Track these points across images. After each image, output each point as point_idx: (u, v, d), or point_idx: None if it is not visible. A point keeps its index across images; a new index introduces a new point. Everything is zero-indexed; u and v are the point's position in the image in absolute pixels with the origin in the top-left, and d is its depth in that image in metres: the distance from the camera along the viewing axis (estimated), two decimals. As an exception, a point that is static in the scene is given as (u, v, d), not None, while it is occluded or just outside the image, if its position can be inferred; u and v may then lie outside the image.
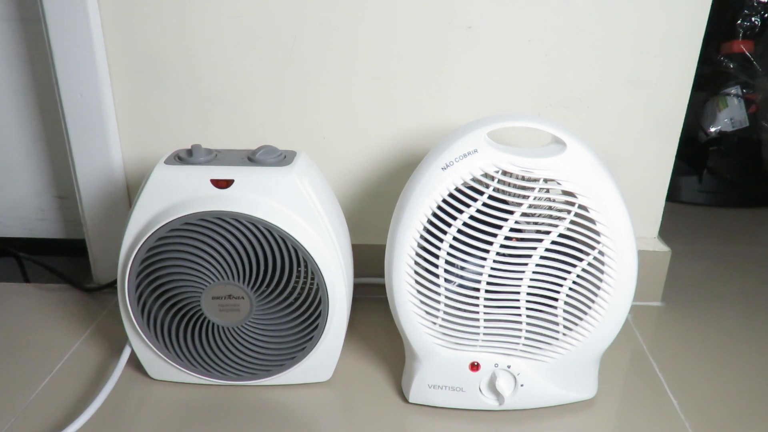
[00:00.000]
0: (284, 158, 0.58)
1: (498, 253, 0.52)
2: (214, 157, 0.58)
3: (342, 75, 0.72)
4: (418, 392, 0.60)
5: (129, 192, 0.79)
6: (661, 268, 0.79)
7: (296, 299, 0.58)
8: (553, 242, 0.52)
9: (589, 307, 0.54)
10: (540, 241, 0.52)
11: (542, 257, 0.53)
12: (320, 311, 0.58)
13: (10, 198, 0.90)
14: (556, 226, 0.52)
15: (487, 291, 0.54)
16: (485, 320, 0.55)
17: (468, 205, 0.52)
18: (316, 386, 0.63)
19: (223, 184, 0.55)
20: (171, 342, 0.59)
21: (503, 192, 0.52)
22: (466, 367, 0.57)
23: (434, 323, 0.56)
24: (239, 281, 0.56)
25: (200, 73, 0.72)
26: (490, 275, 0.53)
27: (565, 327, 0.55)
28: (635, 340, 0.72)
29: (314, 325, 0.58)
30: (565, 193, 0.52)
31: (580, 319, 0.55)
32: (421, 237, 0.53)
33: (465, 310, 0.55)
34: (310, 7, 0.68)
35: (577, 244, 0.53)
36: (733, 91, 1.13)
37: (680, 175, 1.13)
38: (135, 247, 0.55)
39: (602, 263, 0.53)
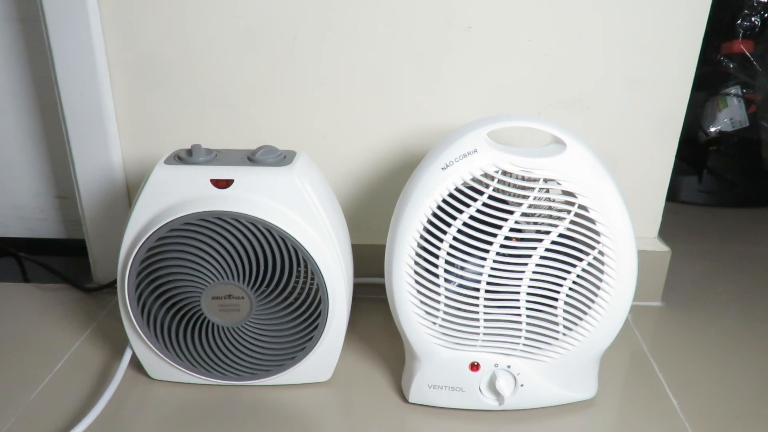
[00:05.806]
0: (284, 158, 0.58)
1: (498, 253, 0.52)
2: (214, 157, 0.58)
3: (342, 75, 0.72)
4: (418, 392, 0.60)
5: (129, 192, 0.79)
6: (661, 268, 0.79)
7: (296, 299, 0.58)
8: (553, 242, 0.52)
9: (589, 307, 0.54)
10: (540, 241, 0.52)
11: (542, 257, 0.53)
12: (320, 311, 0.58)
13: (10, 198, 0.90)
14: (556, 226, 0.52)
15: (487, 291, 0.54)
16: (485, 320, 0.55)
17: (468, 205, 0.52)
18: (316, 386, 0.63)
19: (223, 184, 0.55)
20: (171, 342, 0.59)
21: (503, 192, 0.52)
22: (466, 367, 0.57)
23: (434, 323, 0.56)
24: (239, 281, 0.56)
25: (200, 73, 0.72)
26: (490, 275, 0.53)
27: (565, 327, 0.55)
28: (635, 340, 0.72)
29: (314, 325, 0.58)
30: (565, 193, 0.52)
31: (580, 319, 0.55)
32: (421, 237, 0.53)
33: (465, 310, 0.55)
34: (309, 7, 0.68)
35: (577, 244, 0.53)
36: (733, 91, 1.13)
37: (680, 175, 1.13)
38: (135, 247, 0.55)
39: (602, 263, 0.53)
